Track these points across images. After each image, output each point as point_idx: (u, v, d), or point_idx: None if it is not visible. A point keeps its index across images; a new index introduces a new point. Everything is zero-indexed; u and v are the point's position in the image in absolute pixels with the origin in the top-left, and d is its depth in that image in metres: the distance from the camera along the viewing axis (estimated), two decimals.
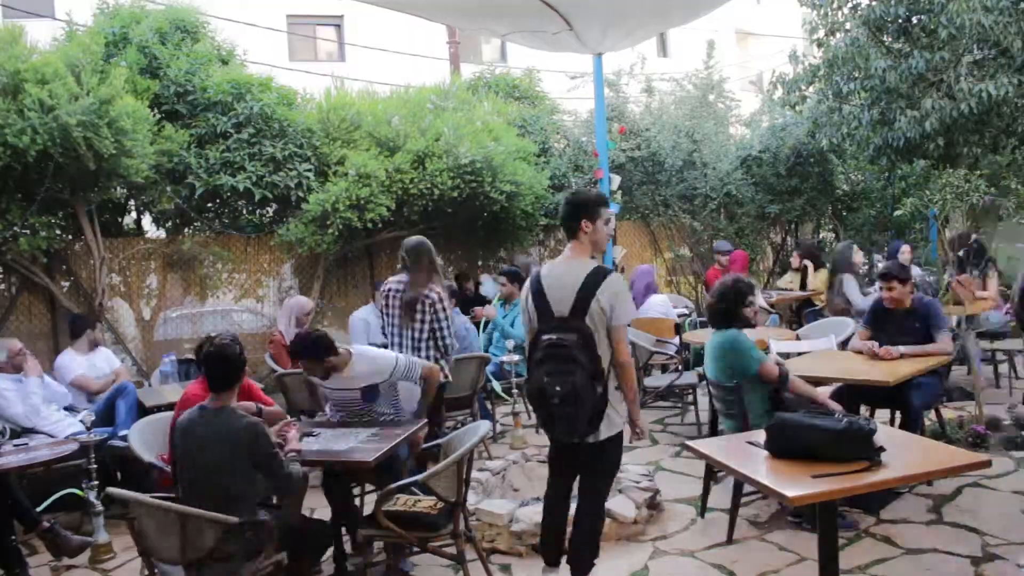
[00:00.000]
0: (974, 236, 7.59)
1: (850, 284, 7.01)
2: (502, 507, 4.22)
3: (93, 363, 5.76)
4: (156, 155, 6.53)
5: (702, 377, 5.15)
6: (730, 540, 4.07)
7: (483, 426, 3.83)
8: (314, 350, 4.03)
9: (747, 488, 4.08)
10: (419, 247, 4.77)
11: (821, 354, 5.46)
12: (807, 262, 8.52)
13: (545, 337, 3.23)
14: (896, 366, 4.53)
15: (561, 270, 3.38)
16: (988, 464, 2.89)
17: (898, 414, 4.82)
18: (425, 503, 3.63)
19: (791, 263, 8.95)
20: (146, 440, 4.18)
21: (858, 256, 7.42)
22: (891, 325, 4.93)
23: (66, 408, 5.32)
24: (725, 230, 10.64)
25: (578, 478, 3.53)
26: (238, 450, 3.15)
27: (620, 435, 3.40)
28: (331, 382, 4.18)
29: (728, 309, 4.30)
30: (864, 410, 4.94)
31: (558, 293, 3.30)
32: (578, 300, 3.24)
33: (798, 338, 6.20)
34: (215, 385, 3.29)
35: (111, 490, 3.18)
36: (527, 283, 3.49)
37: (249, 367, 5.21)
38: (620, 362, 3.28)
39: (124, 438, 4.40)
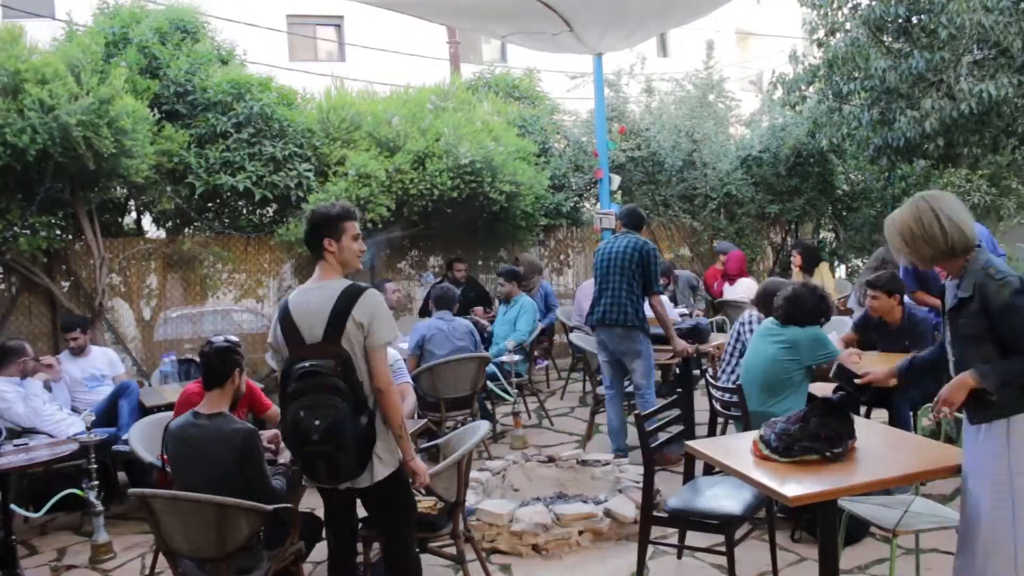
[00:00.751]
0: None
1: None
2: (502, 507, 4.22)
3: (85, 368, 5.65)
4: (156, 155, 6.54)
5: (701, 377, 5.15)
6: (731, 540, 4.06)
7: (483, 426, 3.83)
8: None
9: None
10: None
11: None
12: None
13: (298, 366, 2.81)
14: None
15: (310, 294, 2.96)
16: None
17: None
18: (425, 503, 3.62)
19: (792, 263, 8.93)
20: (146, 440, 4.19)
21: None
22: (882, 340, 4.89)
23: (72, 409, 5.32)
24: (725, 230, 10.63)
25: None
26: (234, 454, 3.15)
27: (400, 471, 3.00)
28: None
29: (816, 311, 4.24)
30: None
31: (308, 318, 2.89)
32: (332, 321, 2.86)
33: None
34: (206, 383, 3.32)
35: (132, 491, 3.12)
36: (276, 312, 3.03)
37: (249, 367, 5.22)
38: (378, 388, 2.89)
39: (128, 440, 4.40)
